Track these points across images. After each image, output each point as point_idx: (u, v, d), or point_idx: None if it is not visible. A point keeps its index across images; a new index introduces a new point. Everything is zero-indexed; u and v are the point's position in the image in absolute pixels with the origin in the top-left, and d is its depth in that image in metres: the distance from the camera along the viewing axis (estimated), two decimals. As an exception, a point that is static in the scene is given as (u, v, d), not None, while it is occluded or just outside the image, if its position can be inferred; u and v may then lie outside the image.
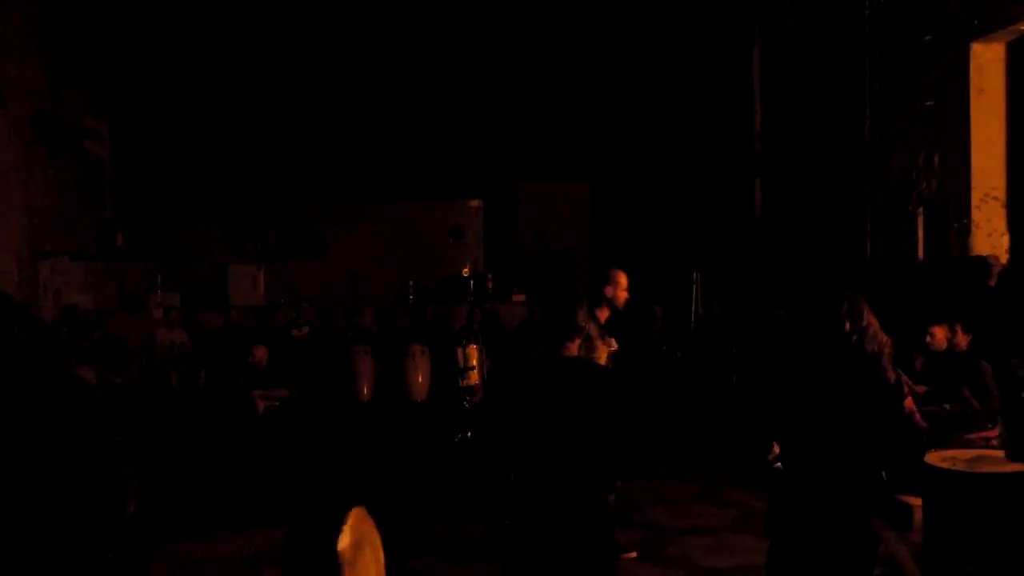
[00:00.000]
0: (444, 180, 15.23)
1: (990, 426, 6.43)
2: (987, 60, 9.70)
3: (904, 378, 3.86)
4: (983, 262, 8.93)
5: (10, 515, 0.61)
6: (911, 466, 6.35)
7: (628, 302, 5.91)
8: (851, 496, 3.72)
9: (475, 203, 15.70)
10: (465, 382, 7.85)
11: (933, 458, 5.17)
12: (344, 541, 0.82)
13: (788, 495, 3.83)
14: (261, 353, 9.57)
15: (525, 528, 3.86)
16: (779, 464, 3.90)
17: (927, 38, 10.24)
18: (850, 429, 3.69)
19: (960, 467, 4.93)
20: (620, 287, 5.80)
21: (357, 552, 0.83)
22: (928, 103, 10.28)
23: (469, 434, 7.55)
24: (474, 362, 7.95)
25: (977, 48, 9.64)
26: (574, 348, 3.89)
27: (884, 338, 3.79)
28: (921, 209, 10.53)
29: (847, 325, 3.72)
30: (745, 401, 6.43)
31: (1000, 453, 5.16)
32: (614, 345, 5.41)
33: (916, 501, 6.20)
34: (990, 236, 9.63)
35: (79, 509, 0.65)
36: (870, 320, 3.79)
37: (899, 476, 6.63)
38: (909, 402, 3.79)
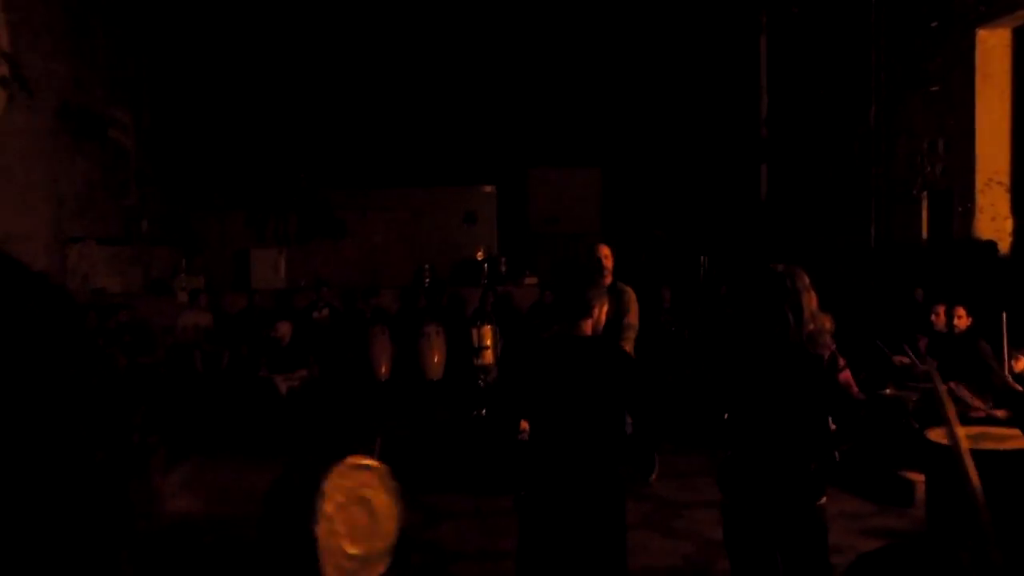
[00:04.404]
0: (458, 167, 15.24)
1: (991, 405, 6.39)
2: (992, 46, 9.60)
3: (842, 361, 3.73)
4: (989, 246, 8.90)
5: (31, 491, 0.60)
6: (910, 443, 6.35)
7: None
8: (801, 469, 3.66)
9: (488, 189, 15.68)
10: (479, 361, 7.83)
11: (935, 435, 5.15)
12: (326, 495, 0.81)
13: (738, 476, 3.77)
14: (284, 329, 9.65)
15: (540, 500, 3.87)
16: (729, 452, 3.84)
17: (933, 25, 10.14)
18: (789, 408, 3.62)
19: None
20: (608, 258, 6.20)
21: (341, 514, 0.82)
22: (933, 89, 10.19)
23: (484, 411, 7.55)
24: (488, 342, 7.92)
25: (982, 34, 9.55)
26: (587, 327, 3.88)
27: (825, 318, 3.66)
28: (925, 193, 10.46)
29: (788, 313, 3.58)
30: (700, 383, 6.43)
31: (1002, 430, 5.13)
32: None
33: (918, 477, 6.19)
34: (994, 220, 9.56)
35: (101, 484, 0.64)
36: (808, 300, 3.64)
37: (899, 453, 6.63)
38: (845, 375, 3.68)
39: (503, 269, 13.88)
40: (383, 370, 11.23)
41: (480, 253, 14.32)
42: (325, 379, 10.15)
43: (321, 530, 0.75)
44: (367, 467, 0.85)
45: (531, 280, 13.26)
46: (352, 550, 0.79)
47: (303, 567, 0.73)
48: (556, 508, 3.82)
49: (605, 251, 6.29)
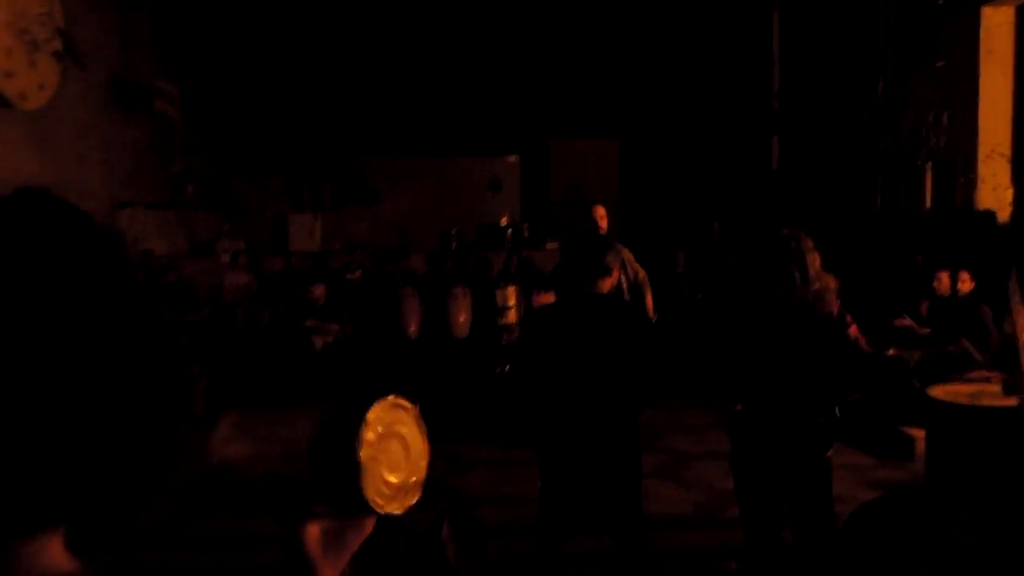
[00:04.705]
0: (484, 138, 15.20)
1: (988, 368, 6.35)
2: (996, 23, 9.41)
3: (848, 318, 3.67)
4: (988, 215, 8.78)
5: (81, 413, 0.61)
6: (911, 401, 6.32)
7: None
8: (809, 422, 3.65)
9: (512, 159, 15.64)
10: (503, 320, 7.88)
11: (937, 392, 5.12)
12: (367, 435, 0.81)
13: (748, 430, 3.76)
14: (319, 291, 9.71)
15: (561, 449, 3.89)
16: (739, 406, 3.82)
17: (939, 2, 9.95)
18: (800, 363, 3.60)
19: (962, 400, 4.88)
20: (603, 218, 6.27)
21: (381, 444, 0.83)
22: (939, 64, 10.01)
23: (507, 367, 7.57)
24: (511, 302, 7.95)
25: (987, 11, 9.35)
26: (605, 286, 3.88)
27: (829, 277, 3.63)
28: (929, 164, 10.31)
29: (794, 272, 3.54)
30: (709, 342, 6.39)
31: (999, 388, 5.09)
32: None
33: (918, 433, 6.16)
34: (995, 190, 9.42)
35: (147, 405, 0.65)
36: (812, 260, 3.60)
37: (900, 407, 6.61)
38: (854, 330, 3.64)
39: (526, 234, 13.87)
40: (412, 328, 11.25)
41: (504, 219, 14.30)
42: (358, 336, 10.20)
43: (364, 455, 0.77)
44: (403, 406, 0.87)
45: (552, 245, 13.23)
46: (390, 478, 0.80)
47: (348, 490, 0.74)
48: (576, 457, 3.84)
49: (600, 211, 6.34)
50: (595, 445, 3.81)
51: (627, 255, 6.18)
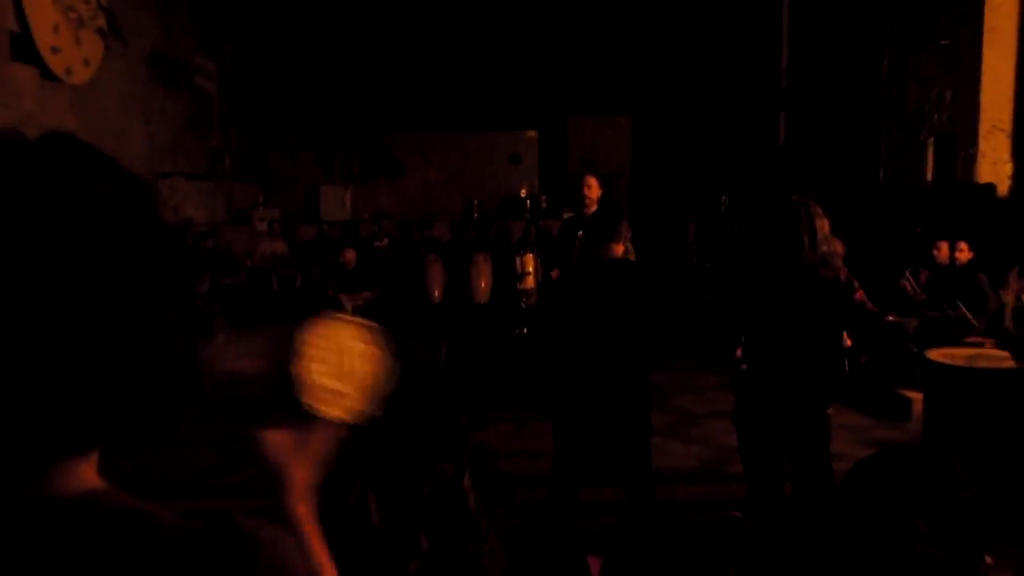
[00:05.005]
0: (505, 113, 15.14)
1: (984, 334, 6.27)
2: (999, 2, 9.18)
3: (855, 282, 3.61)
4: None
5: (107, 352, 0.62)
6: (909, 364, 6.27)
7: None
8: (812, 382, 3.60)
9: (531, 133, 15.59)
10: (522, 286, 7.86)
11: (934, 355, 5.07)
12: (302, 349, 0.84)
13: (753, 388, 3.72)
14: (350, 255, 9.72)
15: (575, 407, 3.89)
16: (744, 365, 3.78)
17: (944, -19, 9.73)
18: (805, 324, 3.55)
19: (959, 363, 4.83)
20: (591, 188, 6.21)
21: (321, 356, 0.84)
22: (943, 42, 9.81)
23: (525, 330, 7.57)
24: (530, 269, 7.93)
25: (991, -9, 9.14)
26: (617, 250, 3.84)
27: (836, 242, 3.56)
28: (932, 139, 10.14)
29: (803, 234, 3.47)
30: (716, 305, 6.35)
31: (994, 352, 5.03)
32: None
33: (915, 395, 6.11)
34: (995, 164, 9.26)
35: (172, 341, 0.67)
36: (821, 225, 3.54)
37: (898, 371, 6.55)
38: (860, 295, 3.58)
39: (544, 205, 13.85)
40: (436, 293, 11.29)
41: (524, 190, 14.26)
42: (385, 300, 10.23)
43: (296, 367, 0.78)
44: (352, 322, 0.87)
45: (568, 215, 13.17)
46: (332, 385, 0.82)
47: (287, 398, 0.76)
48: (590, 414, 3.84)
49: (591, 181, 6.29)
50: (608, 402, 3.80)
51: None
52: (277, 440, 0.97)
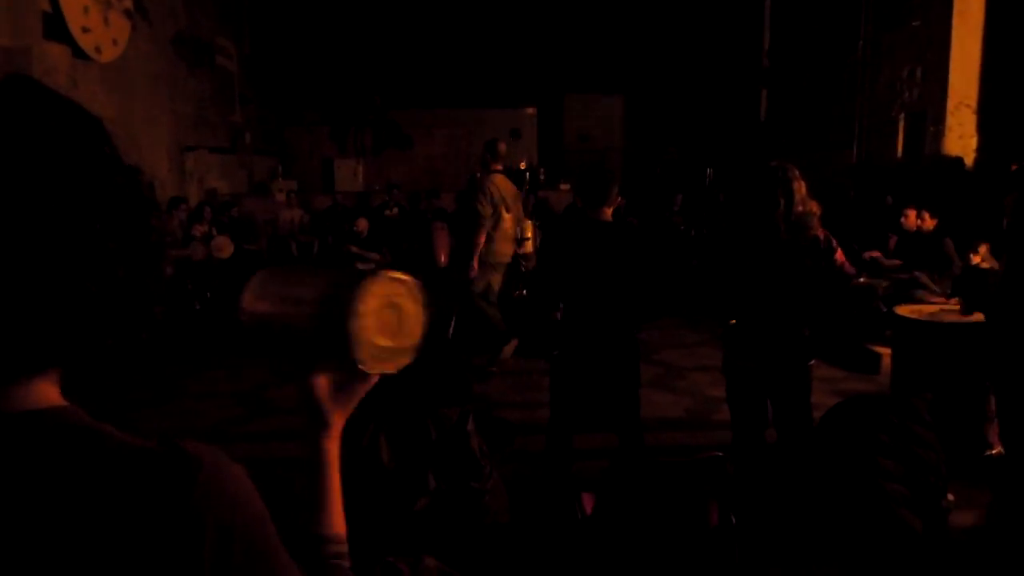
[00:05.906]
0: (506, 91, 15.07)
1: (946, 296, 6.25)
2: (969, -15, 9.05)
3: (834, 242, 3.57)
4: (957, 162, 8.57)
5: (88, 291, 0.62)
6: (878, 322, 6.26)
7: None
8: (795, 334, 3.59)
9: (531, 110, 15.53)
10: (521, 250, 7.82)
11: (902, 310, 5.06)
12: (359, 306, 0.81)
13: (740, 341, 3.71)
14: (363, 224, 9.67)
15: (570, 359, 3.89)
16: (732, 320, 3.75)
17: (917, -34, 9.58)
18: (787, 281, 3.52)
19: (924, 317, 4.82)
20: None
21: (376, 313, 0.81)
22: (915, 24, 9.68)
23: (524, 291, 7.56)
24: (529, 235, 7.89)
25: (961, -25, 9.00)
26: (608, 213, 3.82)
27: (813, 203, 3.51)
28: (902, 115, 10.05)
29: (780, 196, 3.42)
30: (701, 268, 6.33)
31: (956, 308, 5.02)
32: None
33: (884, 350, 6.10)
34: (961, 138, 9.18)
35: (121, 267, 0.66)
36: (799, 187, 3.48)
37: (868, 328, 6.54)
38: (839, 255, 3.54)
39: (542, 177, 13.79)
40: (442, 258, 11.26)
41: (523, 163, 14.18)
42: (395, 264, 10.20)
43: (355, 325, 0.76)
44: (400, 280, 0.86)
45: (565, 186, 13.13)
46: (383, 342, 0.80)
47: (342, 353, 0.75)
48: (584, 366, 3.84)
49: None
50: (600, 355, 3.79)
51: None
52: (326, 387, 0.97)
